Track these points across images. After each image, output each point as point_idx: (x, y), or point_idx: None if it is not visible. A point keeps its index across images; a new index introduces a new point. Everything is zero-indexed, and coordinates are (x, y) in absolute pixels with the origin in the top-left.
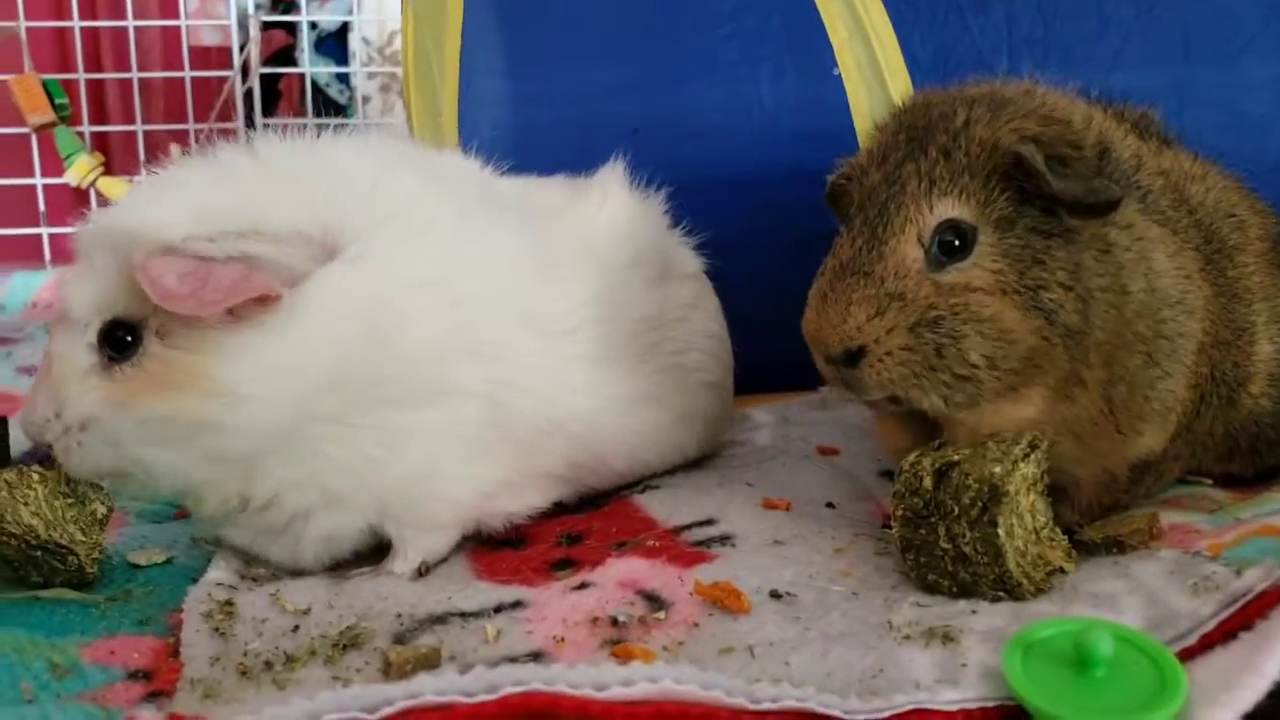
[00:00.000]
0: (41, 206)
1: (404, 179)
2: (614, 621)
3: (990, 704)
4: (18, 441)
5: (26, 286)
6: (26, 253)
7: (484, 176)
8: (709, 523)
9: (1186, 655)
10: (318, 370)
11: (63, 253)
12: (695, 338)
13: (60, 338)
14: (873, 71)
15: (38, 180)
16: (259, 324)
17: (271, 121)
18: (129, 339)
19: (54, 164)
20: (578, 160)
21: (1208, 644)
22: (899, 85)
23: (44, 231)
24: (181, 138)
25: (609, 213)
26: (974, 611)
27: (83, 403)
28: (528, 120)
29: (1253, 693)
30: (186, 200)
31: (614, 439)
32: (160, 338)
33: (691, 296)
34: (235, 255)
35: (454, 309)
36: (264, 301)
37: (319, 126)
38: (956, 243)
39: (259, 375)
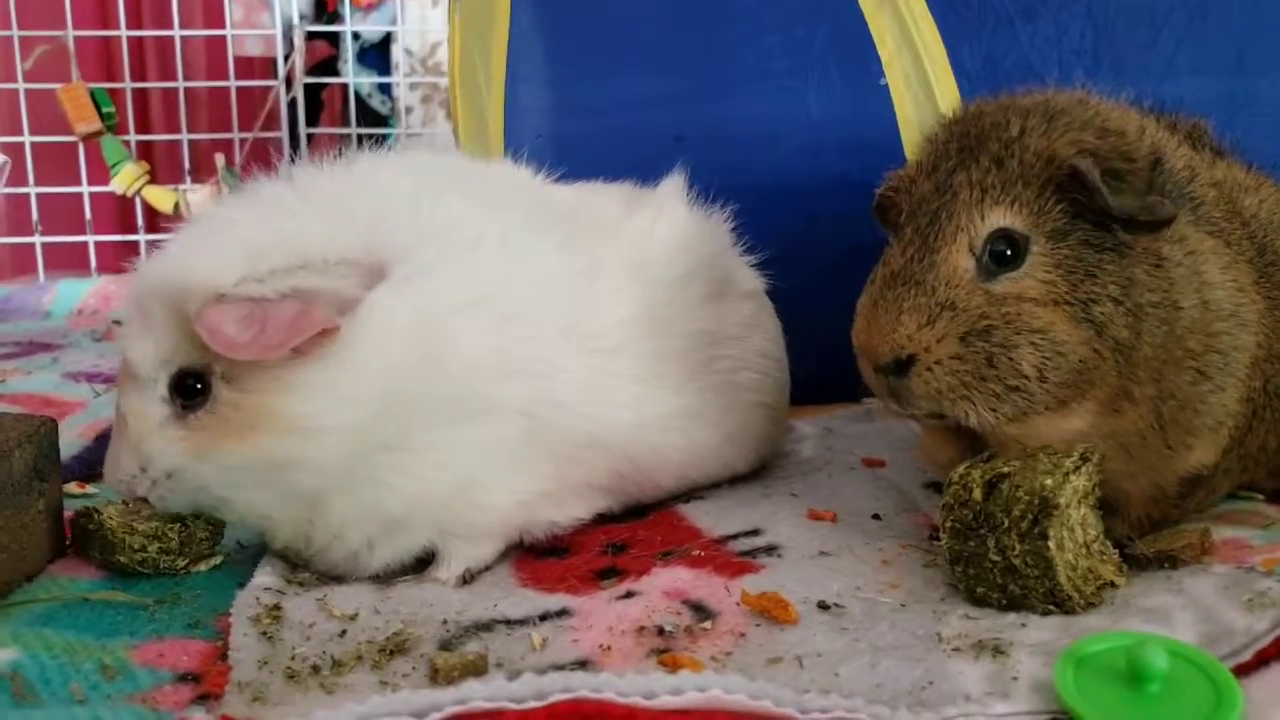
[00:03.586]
0: (88, 214)
1: (448, 196)
2: (660, 631)
3: (1042, 718)
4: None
5: (73, 293)
6: (73, 260)
7: (536, 186)
8: (755, 533)
9: (1242, 671)
10: (377, 395)
11: (108, 261)
12: (750, 357)
13: (130, 395)
14: (920, 83)
15: (84, 188)
16: (320, 356)
17: (315, 131)
18: (198, 386)
19: (100, 172)
20: (622, 170)
21: (1263, 660)
22: (947, 96)
23: (90, 239)
24: (226, 147)
25: (665, 228)
26: (1024, 625)
27: (165, 455)
28: (572, 129)
29: None
30: (231, 243)
31: (659, 455)
32: (227, 382)
33: (749, 315)
34: (287, 292)
35: (498, 327)
36: (324, 334)
37: (360, 141)
38: (1008, 252)
39: (326, 407)
